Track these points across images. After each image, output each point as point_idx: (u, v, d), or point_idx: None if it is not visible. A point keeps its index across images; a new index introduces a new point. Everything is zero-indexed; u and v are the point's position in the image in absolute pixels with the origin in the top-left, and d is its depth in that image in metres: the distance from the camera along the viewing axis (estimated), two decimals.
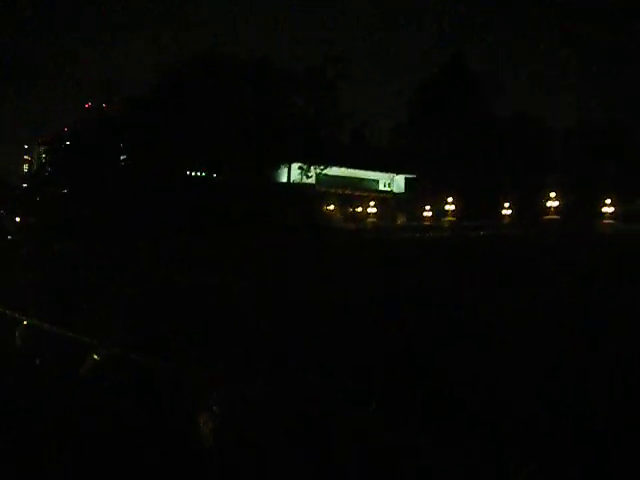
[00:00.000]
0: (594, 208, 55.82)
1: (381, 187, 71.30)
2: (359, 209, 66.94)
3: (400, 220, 65.67)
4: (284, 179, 65.61)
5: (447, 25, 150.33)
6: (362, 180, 70.34)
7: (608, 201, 54.20)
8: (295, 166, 65.20)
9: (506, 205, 59.03)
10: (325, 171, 65.53)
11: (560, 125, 73.42)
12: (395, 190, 71.07)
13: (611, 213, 53.68)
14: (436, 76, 70.85)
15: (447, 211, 60.24)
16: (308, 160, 64.34)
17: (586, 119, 72.47)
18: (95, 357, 7.33)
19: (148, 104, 62.31)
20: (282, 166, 65.10)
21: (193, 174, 62.74)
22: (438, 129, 67.18)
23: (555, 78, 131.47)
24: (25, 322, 9.20)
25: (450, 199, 59.64)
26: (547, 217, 53.59)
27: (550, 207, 54.04)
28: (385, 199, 67.91)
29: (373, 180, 71.14)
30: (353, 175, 69.10)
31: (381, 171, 70.55)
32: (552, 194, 54.03)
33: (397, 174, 70.66)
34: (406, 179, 70.56)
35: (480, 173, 63.79)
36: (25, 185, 74.67)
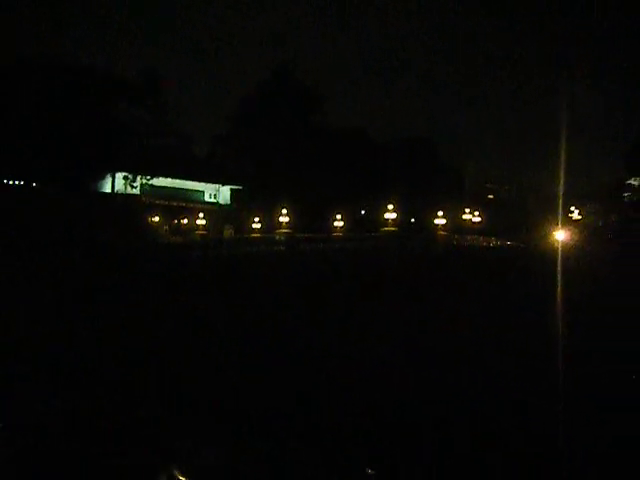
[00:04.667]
0: (426, 221, 58.56)
1: (207, 198, 69.68)
2: (185, 221, 64.77)
3: (227, 232, 64.31)
4: (108, 189, 62.13)
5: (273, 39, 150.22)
6: (188, 191, 68.34)
7: (440, 213, 56.78)
8: (120, 175, 61.98)
9: (338, 217, 59.72)
10: (151, 181, 63.05)
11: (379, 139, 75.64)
12: (221, 201, 69.78)
13: (443, 225, 56.31)
14: (261, 86, 70.63)
15: (281, 223, 59.82)
16: (133, 169, 61.59)
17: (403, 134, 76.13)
18: None
19: None
20: (106, 175, 61.66)
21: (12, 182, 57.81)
22: (263, 139, 67.03)
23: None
24: None
25: (284, 210, 59.25)
26: (385, 229, 54.93)
27: (388, 219, 55.44)
28: (212, 211, 66.25)
29: (199, 191, 69.39)
30: (179, 186, 67.00)
31: (207, 182, 68.99)
32: (390, 206, 55.44)
33: (223, 185, 69.40)
34: (232, 190, 69.53)
35: (309, 184, 64.44)
36: None
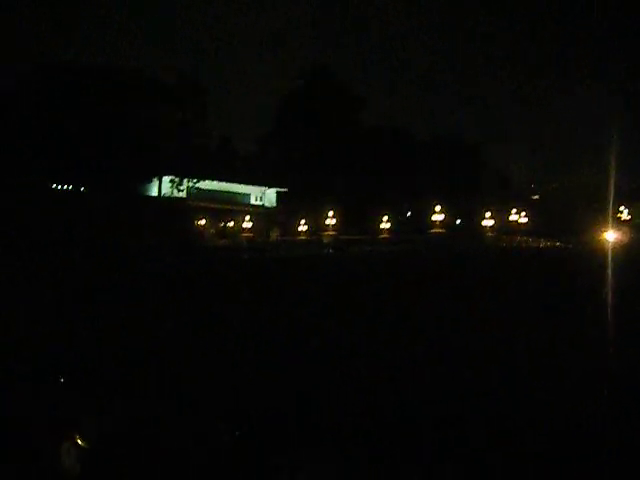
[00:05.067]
0: (475, 222, 57.97)
1: (253, 201, 69.86)
2: (231, 224, 65.01)
3: (274, 235, 64.46)
4: (155, 193, 62.68)
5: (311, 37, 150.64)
6: (234, 194, 68.54)
7: (488, 214, 56.17)
8: (166, 179, 62.46)
9: (384, 218, 59.35)
10: (197, 185, 63.50)
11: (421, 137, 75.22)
12: (267, 204, 69.92)
13: (491, 226, 55.68)
14: (302, 87, 70.78)
15: (327, 225, 59.59)
16: (180, 173, 62.04)
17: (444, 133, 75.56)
18: None
19: None
20: (153, 179, 62.22)
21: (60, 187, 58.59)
22: (306, 139, 67.19)
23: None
24: None
25: (331, 213, 59.00)
26: (433, 230, 54.41)
27: (436, 221, 54.86)
28: (258, 213, 66.38)
29: (245, 194, 69.58)
30: (224, 189, 67.20)
31: (252, 184, 69.17)
32: (437, 207, 54.85)
33: (269, 187, 69.55)
34: (277, 192, 69.64)
35: (355, 186, 64.36)
36: None
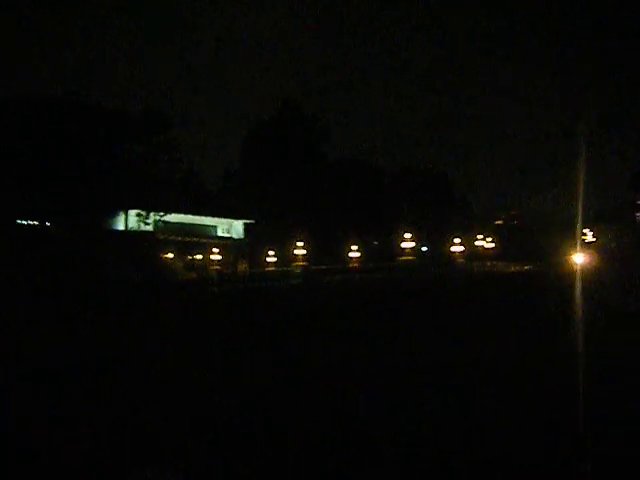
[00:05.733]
0: (442, 248, 58.42)
1: (220, 233, 69.36)
2: (199, 256, 64.46)
3: (242, 267, 63.99)
4: (122, 226, 61.93)
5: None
6: (201, 226, 67.99)
7: (457, 240, 56.67)
8: (133, 213, 61.81)
9: (354, 248, 59.46)
10: (164, 218, 62.96)
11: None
12: (234, 236, 69.47)
13: (461, 252, 56.20)
14: (268, 122, 71.12)
15: (297, 255, 59.51)
16: (146, 206, 61.49)
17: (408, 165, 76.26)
18: None
19: None
20: (119, 213, 61.52)
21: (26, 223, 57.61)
22: (272, 173, 67.35)
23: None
24: None
25: (300, 243, 58.97)
26: (403, 258, 54.70)
27: (405, 248, 55.19)
28: (226, 245, 65.93)
29: (212, 226, 69.05)
30: (192, 221, 66.66)
31: (219, 217, 68.73)
32: (407, 235, 55.20)
33: (236, 219, 69.17)
34: (245, 224, 69.32)
35: (323, 216, 64.45)
36: None
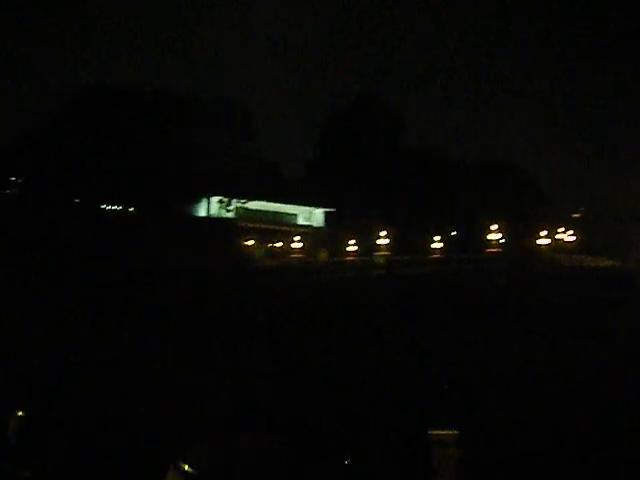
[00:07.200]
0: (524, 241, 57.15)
1: (300, 221, 69.26)
2: (279, 244, 64.44)
3: (322, 255, 63.65)
4: (204, 213, 62.57)
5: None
6: (281, 214, 68.05)
7: (543, 233, 55.45)
8: (215, 200, 62.28)
9: (436, 238, 58.70)
10: (245, 205, 63.27)
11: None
12: (315, 224, 69.26)
13: (547, 244, 54.94)
14: (345, 111, 71.01)
15: (379, 245, 58.98)
16: (228, 193, 61.90)
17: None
18: None
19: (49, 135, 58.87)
20: (202, 200, 62.11)
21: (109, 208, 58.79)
22: (351, 162, 67.06)
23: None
24: None
25: (384, 232, 58.38)
26: (489, 250, 53.74)
27: (491, 240, 54.16)
28: (306, 233, 65.75)
29: (292, 214, 69.01)
30: (273, 209, 66.81)
31: (300, 204, 68.62)
32: (493, 227, 54.20)
33: (316, 207, 68.94)
34: (325, 213, 69.06)
35: (402, 206, 63.78)
36: None
